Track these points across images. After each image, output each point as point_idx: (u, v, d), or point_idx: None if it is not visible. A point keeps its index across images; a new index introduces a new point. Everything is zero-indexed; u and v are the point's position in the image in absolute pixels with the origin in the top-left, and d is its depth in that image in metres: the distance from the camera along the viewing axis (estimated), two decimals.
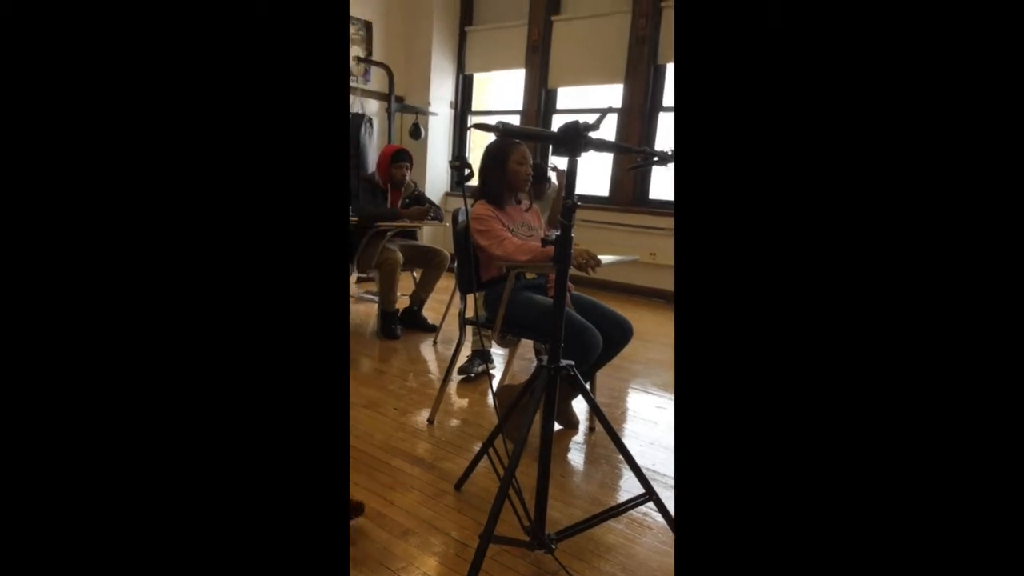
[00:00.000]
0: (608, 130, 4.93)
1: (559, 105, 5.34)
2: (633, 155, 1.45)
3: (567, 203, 1.26)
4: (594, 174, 4.96)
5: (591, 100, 5.17)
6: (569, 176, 1.27)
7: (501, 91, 5.86)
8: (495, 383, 2.52)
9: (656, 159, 1.41)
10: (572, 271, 1.96)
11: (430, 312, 3.37)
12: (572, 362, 1.35)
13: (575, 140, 1.23)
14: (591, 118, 1.23)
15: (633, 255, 2.16)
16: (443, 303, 3.39)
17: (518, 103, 5.45)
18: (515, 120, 5.45)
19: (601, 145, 1.32)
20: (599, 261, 1.74)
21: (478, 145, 6.08)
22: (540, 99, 5.32)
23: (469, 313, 2.09)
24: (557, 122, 5.41)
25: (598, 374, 2.10)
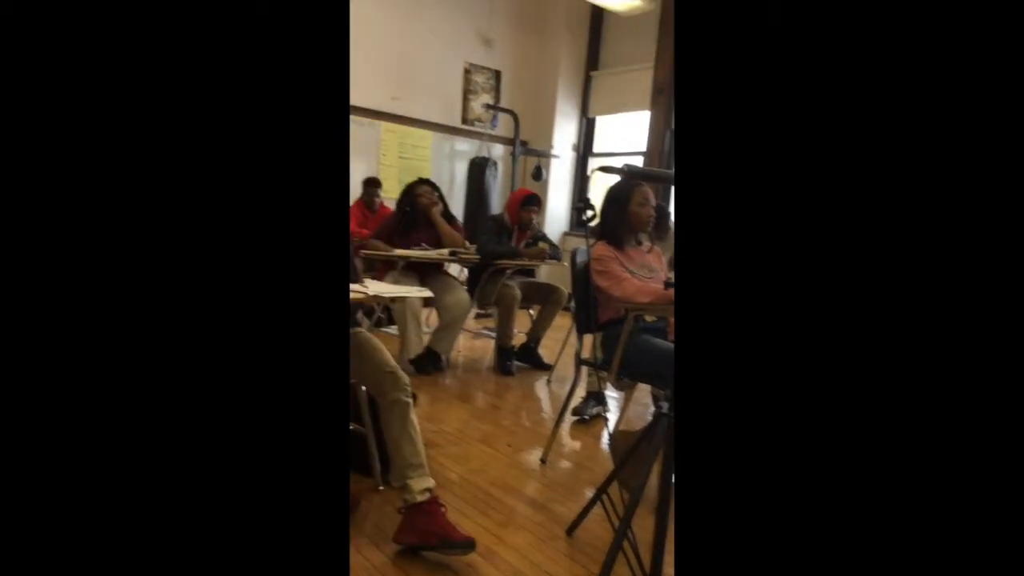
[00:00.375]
0: None
1: None
2: None
3: None
4: None
5: None
6: None
7: (623, 133, 5.88)
8: (610, 427, 2.46)
9: None
10: None
11: (545, 351, 3.39)
12: None
13: None
14: None
15: None
16: (558, 341, 3.39)
17: (641, 144, 5.44)
18: (639, 162, 5.44)
19: None
20: None
21: (599, 186, 6.11)
22: (664, 140, 5.26)
23: (586, 354, 2.07)
24: None
25: None
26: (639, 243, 2.10)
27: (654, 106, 5.30)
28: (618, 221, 2.02)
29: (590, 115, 5.93)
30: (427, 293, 2.10)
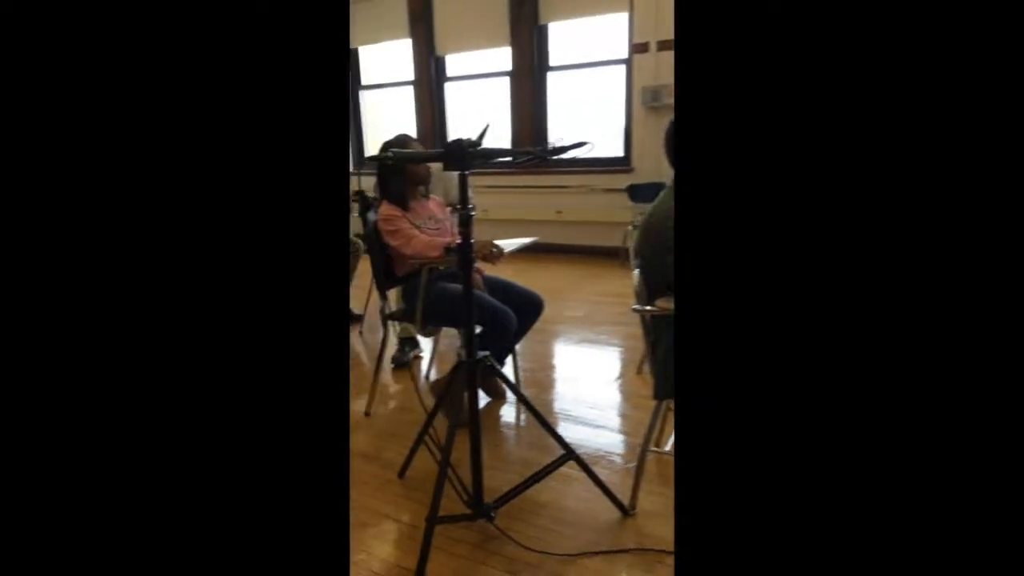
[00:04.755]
0: (502, 92, 5.00)
1: (452, 72, 5.33)
2: (527, 155, 1.55)
3: (463, 215, 1.39)
4: (495, 138, 5.04)
5: (484, 64, 5.19)
6: (461, 190, 1.39)
7: (388, 62, 5.75)
8: (424, 366, 2.66)
9: (534, 158, 1.54)
10: (482, 265, 2.10)
11: (352, 301, 3.42)
12: (487, 352, 1.51)
13: (462, 157, 1.34)
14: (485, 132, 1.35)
15: (532, 236, 2.28)
16: (363, 289, 3.45)
17: (409, 73, 5.40)
18: (409, 91, 5.42)
19: (490, 154, 1.44)
20: (502, 250, 1.89)
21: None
22: (431, 67, 5.29)
23: (392, 306, 2.19)
24: (450, 90, 5.41)
25: (522, 342, 2.28)
26: (424, 196, 2.22)
27: (413, 34, 5.25)
28: (396, 183, 2.10)
29: (352, 46, 5.66)
30: None
